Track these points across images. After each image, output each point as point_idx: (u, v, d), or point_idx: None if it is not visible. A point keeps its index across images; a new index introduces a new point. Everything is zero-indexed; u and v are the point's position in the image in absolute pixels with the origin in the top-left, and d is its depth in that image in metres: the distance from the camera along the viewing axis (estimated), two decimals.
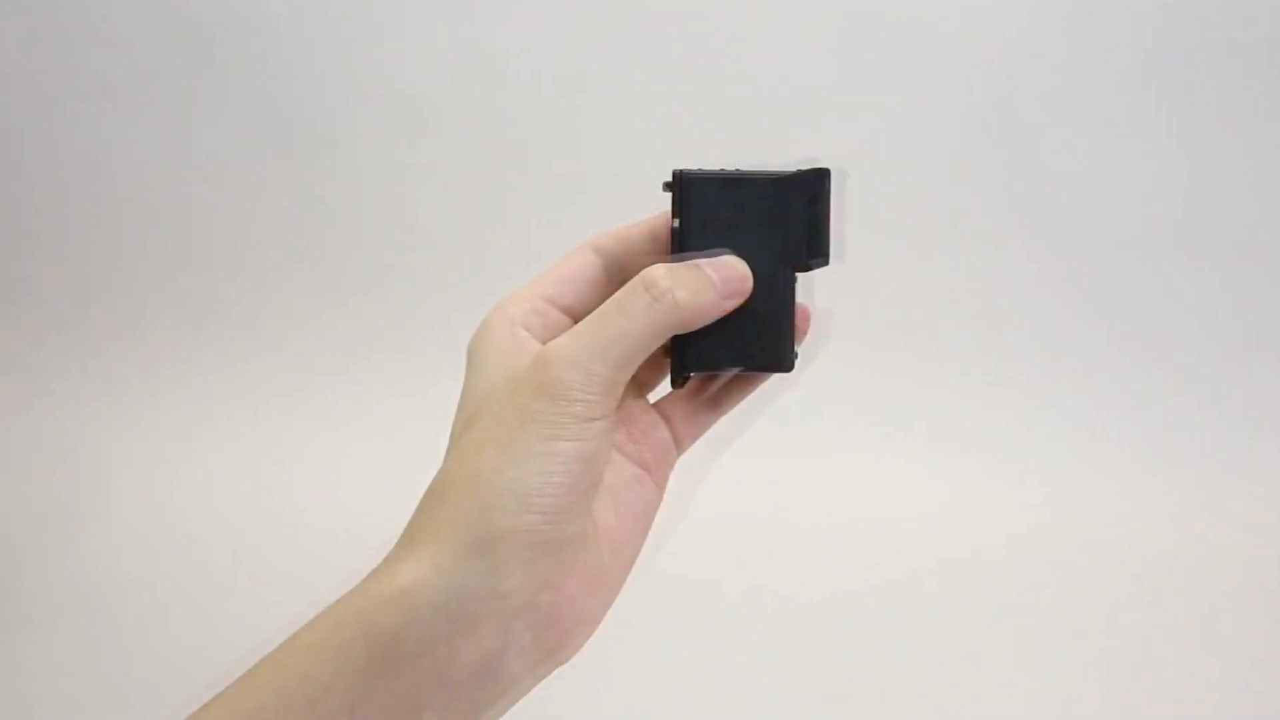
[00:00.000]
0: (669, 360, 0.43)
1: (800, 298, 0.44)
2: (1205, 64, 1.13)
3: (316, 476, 1.16)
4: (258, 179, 1.22)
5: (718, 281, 0.40)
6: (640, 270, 0.40)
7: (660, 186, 0.43)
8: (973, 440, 1.16)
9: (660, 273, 0.39)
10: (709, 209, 0.42)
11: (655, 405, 0.46)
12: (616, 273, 0.43)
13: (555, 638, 0.38)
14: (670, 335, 0.40)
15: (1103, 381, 1.17)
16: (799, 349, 0.44)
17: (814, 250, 0.43)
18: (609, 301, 0.39)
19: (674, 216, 0.43)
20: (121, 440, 1.21)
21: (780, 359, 0.43)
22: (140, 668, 0.94)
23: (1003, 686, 0.91)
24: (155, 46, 1.20)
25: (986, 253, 1.17)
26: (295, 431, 1.19)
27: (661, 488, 0.44)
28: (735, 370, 0.43)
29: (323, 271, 1.22)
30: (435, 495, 0.39)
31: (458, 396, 0.42)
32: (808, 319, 0.44)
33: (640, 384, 0.45)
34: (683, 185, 0.42)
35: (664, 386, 0.46)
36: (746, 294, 0.42)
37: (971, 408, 1.17)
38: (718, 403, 0.46)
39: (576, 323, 0.40)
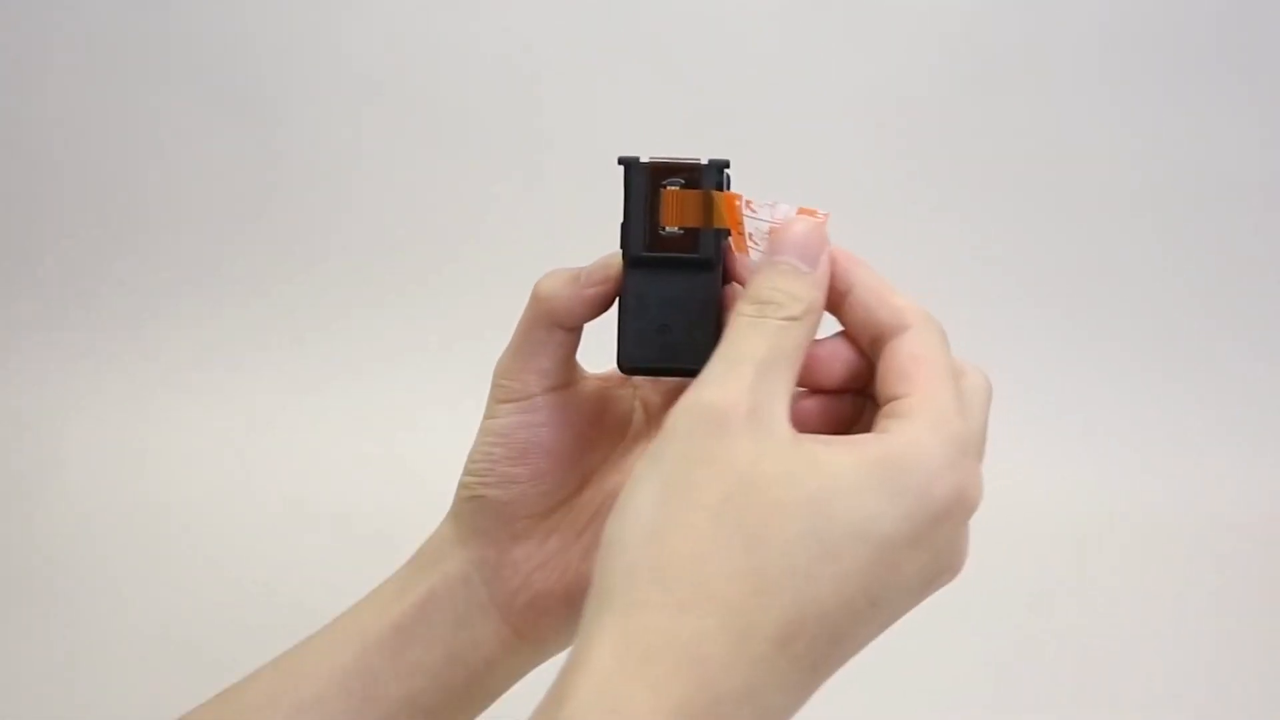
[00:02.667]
0: None
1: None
2: (1170, 32, 1.15)
3: (280, 446, 1.16)
4: (212, 151, 1.21)
5: (583, 271, 0.42)
6: None
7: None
8: None
9: (550, 270, 0.43)
10: (644, 201, 0.42)
11: None
12: None
13: (504, 596, 0.44)
14: (546, 321, 0.42)
15: (1069, 354, 1.19)
16: None
17: (690, 245, 0.41)
18: None
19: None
20: (79, 412, 1.20)
21: (700, 362, 0.41)
22: (102, 644, 0.94)
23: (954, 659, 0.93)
24: (109, 18, 1.19)
25: (946, 226, 1.19)
26: (256, 401, 1.19)
27: None
28: (670, 372, 0.42)
29: (281, 243, 1.22)
30: None
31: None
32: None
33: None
34: (625, 172, 0.42)
35: None
36: (609, 281, 0.42)
37: None
38: None
39: None
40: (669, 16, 1.16)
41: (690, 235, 0.41)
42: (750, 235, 0.39)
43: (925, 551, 0.32)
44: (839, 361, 0.38)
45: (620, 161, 0.41)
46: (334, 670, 0.43)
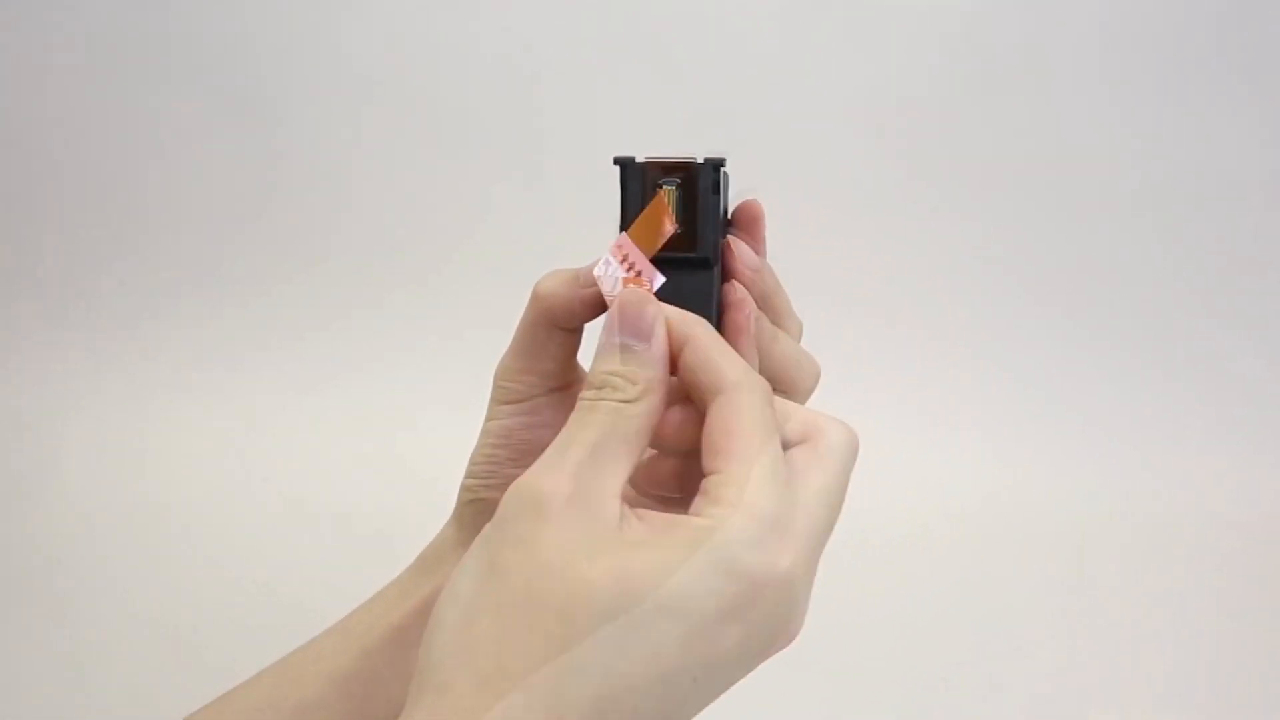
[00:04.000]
0: None
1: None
2: (1170, 31, 1.15)
3: (279, 445, 1.16)
4: (211, 151, 1.21)
5: (582, 271, 0.42)
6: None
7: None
8: (926, 407, 1.17)
9: (550, 270, 0.43)
10: (640, 201, 0.41)
11: None
12: None
13: None
14: (546, 322, 0.42)
15: (1064, 349, 1.19)
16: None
17: (689, 244, 0.41)
18: None
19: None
20: (78, 412, 1.20)
21: None
22: (102, 643, 0.94)
23: (967, 655, 0.93)
24: (109, 18, 1.19)
25: (946, 226, 1.18)
26: (256, 400, 1.19)
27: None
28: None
29: (281, 242, 1.22)
30: None
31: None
32: (740, 309, 0.41)
33: None
34: (621, 172, 0.42)
35: None
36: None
37: (928, 375, 1.18)
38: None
39: None
40: (668, 16, 1.16)
41: (689, 234, 0.41)
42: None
43: (741, 626, 0.32)
44: (686, 425, 0.37)
45: (615, 161, 0.41)
46: (335, 673, 0.43)
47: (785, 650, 0.35)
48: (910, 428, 1.15)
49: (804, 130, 1.16)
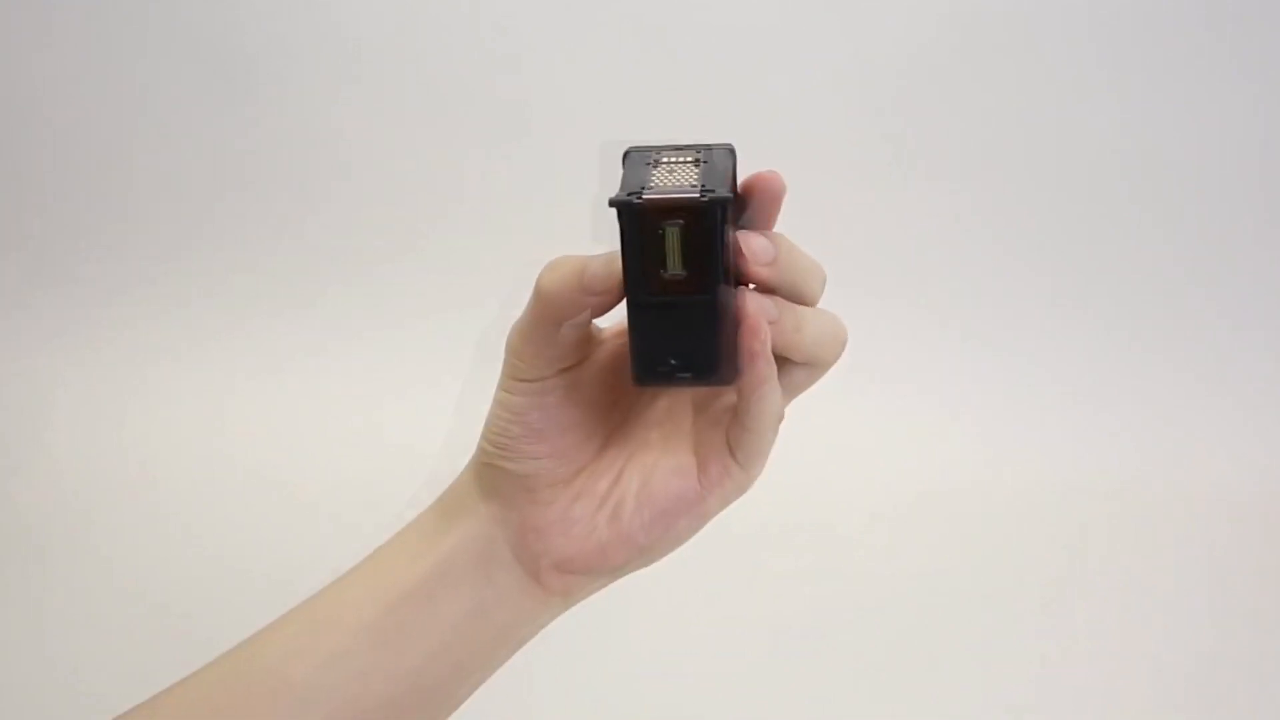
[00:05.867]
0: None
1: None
2: (1160, 13, 1.14)
3: (261, 417, 1.15)
4: (193, 124, 1.20)
5: (586, 274, 0.39)
6: None
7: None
8: (924, 386, 1.18)
9: (556, 259, 0.40)
10: (641, 247, 0.38)
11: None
12: None
13: (528, 559, 0.44)
14: (551, 320, 0.40)
15: (1055, 328, 1.19)
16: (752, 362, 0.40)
17: (694, 288, 0.39)
18: None
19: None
20: (63, 383, 1.20)
21: (716, 371, 0.39)
22: (84, 614, 0.94)
23: (944, 641, 0.94)
24: None
25: (937, 201, 1.18)
26: (238, 373, 1.19)
27: (709, 491, 0.43)
28: (684, 383, 0.40)
29: (265, 213, 1.21)
30: None
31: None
32: (755, 334, 0.39)
33: None
34: (619, 216, 0.38)
35: None
36: (612, 291, 0.39)
37: (922, 355, 1.18)
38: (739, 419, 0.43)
39: None
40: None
41: (695, 276, 0.38)
42: None
43: None
44: None
45: (612, 204, 0.37)
46: (362, 622, 0.43)
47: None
48: (900, 409, 1.16)
49: (794, 109, 1.15)
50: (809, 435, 1.11)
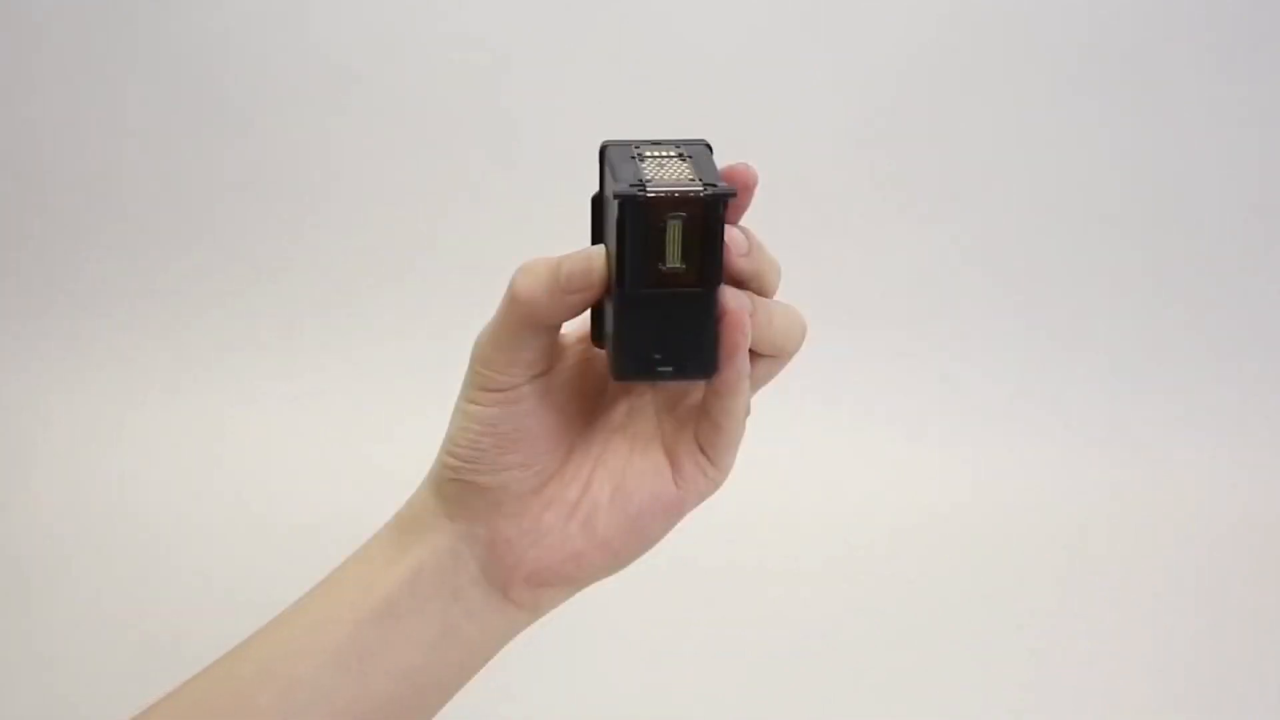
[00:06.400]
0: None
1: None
2: (1133, 39, 1.16)
3: (246, 447, 1.15)
4: (182, 153, 1.20)
5: (563, 274, 0.40)
6: None
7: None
8: (897, 415, 1.18)
9: (527, 262, 0.40)
10: (642, 240, 0.39)
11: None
12: None
13: (498, 573, 0.43)
14: (529, 324, 0.40)
15: (1027, 356, 1.20)
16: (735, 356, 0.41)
17: (693, 280, 0.39)
18: None
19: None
20: (50, 412, 1.19)
21: (701, 365, 0.40)
22: (70, 640, 0.94)
23: (938, 654, 0.94)
24: (79, 11, 1.17)
25: (914, 229, 1.19)
26: (223, 404, 1.19)
27: (685, 490, 0.43)
28: (664, 377, 0.41)
29: (252, 242, 1.21)
30: None
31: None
32: (738, 328, 0.39)
33: None
34: (620, 209, 0.38)
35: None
36: (592, 288, 0.40)
37: (895, 383, 1.19)
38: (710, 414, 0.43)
39: None
40: (637, 9, 1.16)
41: (694, 270, 0.39)
42: None
43: None
44: None
45: (617, 197, 0.38)
46: (328, 647, 0.42)
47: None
48: (884, 434, 1.16)
49: (777, 129, 1.16)
50: (796, 457, 1.12)
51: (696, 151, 0.41)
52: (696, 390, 0.43)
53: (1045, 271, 1.20)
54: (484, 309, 0.42)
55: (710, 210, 0.38)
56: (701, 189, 0.38)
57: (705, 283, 0.39)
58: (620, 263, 0.39)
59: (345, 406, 1.16)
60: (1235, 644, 0.96)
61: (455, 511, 0.43)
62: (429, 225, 1.20)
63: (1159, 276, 1.20)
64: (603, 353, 0.44)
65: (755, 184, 0.41)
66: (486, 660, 0.45)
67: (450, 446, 0.43)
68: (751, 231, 0.41)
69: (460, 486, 0.43)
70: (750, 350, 0.40)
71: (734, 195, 0.38)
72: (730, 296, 0.40)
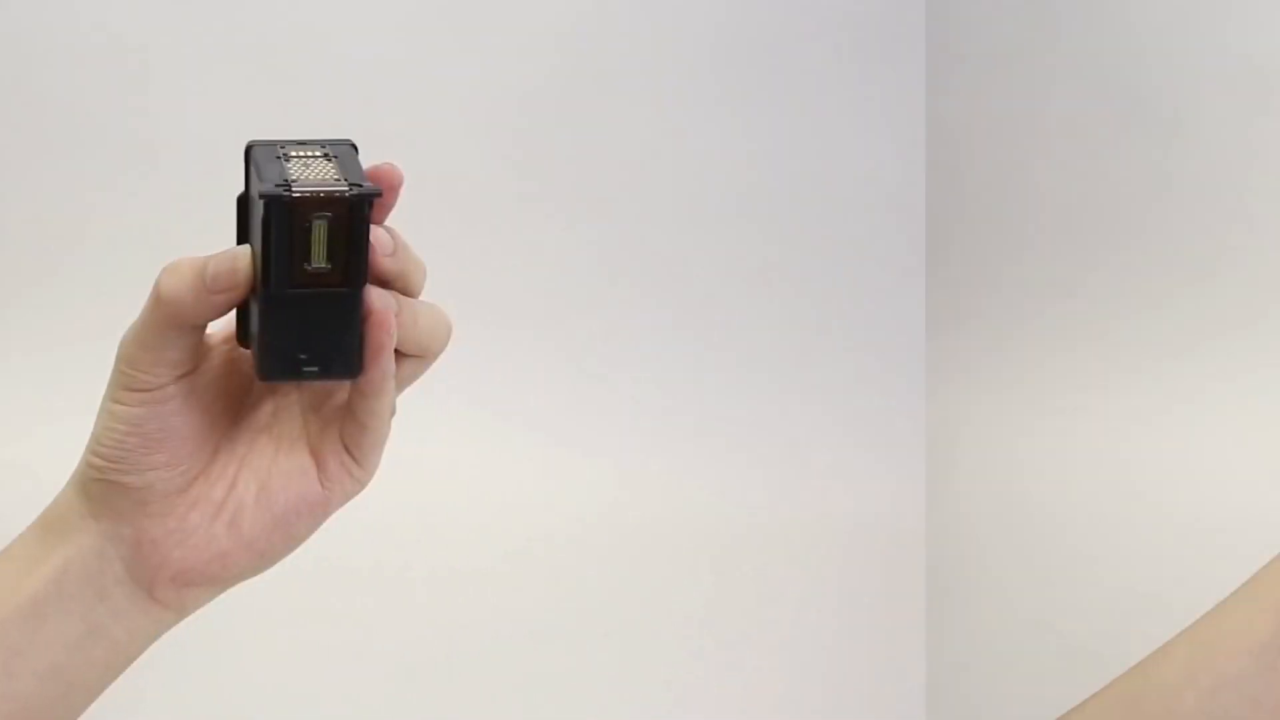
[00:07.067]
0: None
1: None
2: (769, 43, 1.22)
3: None
4: None
5: (208, 274, 0.40)
6: None
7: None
8: (543, 416, 1.19)
9: (172, 262, 0.40)
10: (287, 240, 0.39)
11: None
12: None
13: (144, 573, 0.43)
14: (174, 324, 0.40)
15: (673, 357, 1.23)
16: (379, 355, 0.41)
17: (339, 280, 0.40)
18: None
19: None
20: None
21: (346, 365, 0.41)
22: None
23: (582, 655, 0.98)
24: None
25: (558, 229, 1.21)
26: None
27: (331, 490, 0.44)
28: (310, 378, 0.41)
29: None
30: None
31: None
32: (383, 328, 0.40)
33: None
34: (265, 209, 0.38)
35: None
36: (238, 287, 0.40)
37: (541, 383, 1.20)
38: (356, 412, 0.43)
39: None
40: (281, 10, 1.15)
41: (340, 269, 0.39)
42: None
43: None
44: None
45: (262, 197, 0.38)
46: None
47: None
48: (529, 435, 1.17)
49: (422, 129, 1.16)
50: (442, 458, 1.11)
51: (342, 151, 0.41)
52: (342, 390, 0.44)
53: (690, 271, 1.23)
54: (129, 309, 0.42)
55: (355, 210, 0.39)
56: (347, 189, 0.39)
57: (350, 283, 0.40)
58: (265, 263, 0.39)
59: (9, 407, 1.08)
60: (866, 643, 1.04)
61: (101, 511, 0.43)
62: (72, 226, 1.13)
63: (802, 276, 1.24)
64: (249, 353, 0.43)
65: (401, 184, 0.42)
66: (132, 660, 0.45)
67: (95, 446, 0.42)
68: (397, 231, 0.42)
69: (105, 486, 0.42)
70: (396, 350, 0.41)
71: (379, 195, 0.39)
72: (375, 297, 0.40)
